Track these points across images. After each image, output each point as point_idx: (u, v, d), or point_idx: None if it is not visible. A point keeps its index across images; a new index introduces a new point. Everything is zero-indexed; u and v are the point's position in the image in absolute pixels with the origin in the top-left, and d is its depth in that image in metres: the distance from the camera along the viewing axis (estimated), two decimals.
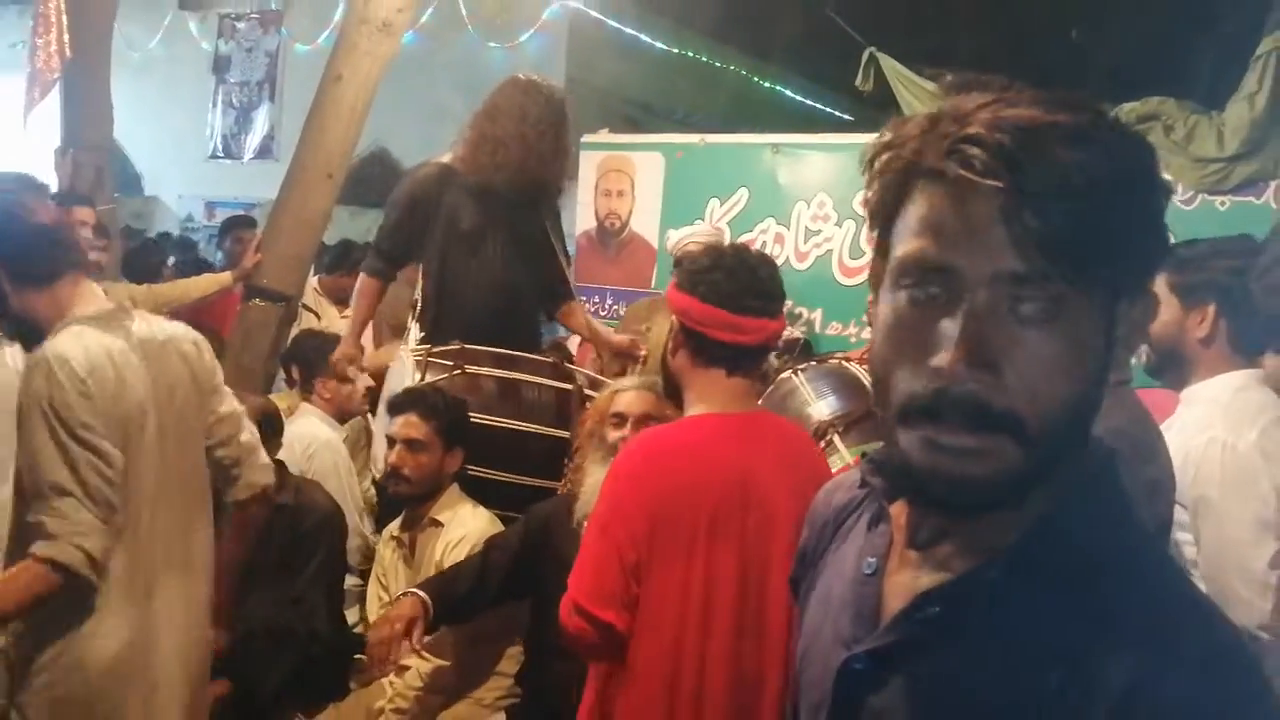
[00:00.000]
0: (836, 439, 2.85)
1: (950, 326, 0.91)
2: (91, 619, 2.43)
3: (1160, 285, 2.46)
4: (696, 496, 2.21)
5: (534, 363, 3.81)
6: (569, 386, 3.73)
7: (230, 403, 2.80)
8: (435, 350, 3.71)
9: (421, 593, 2.93)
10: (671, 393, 2.47)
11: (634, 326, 4.84)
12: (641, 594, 2.19)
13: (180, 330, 2.70)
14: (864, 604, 1.05)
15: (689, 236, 5.01)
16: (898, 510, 1.08)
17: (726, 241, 5.49)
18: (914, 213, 0.95)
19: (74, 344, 2.41)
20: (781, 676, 2.19)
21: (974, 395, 0.89)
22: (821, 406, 3.07)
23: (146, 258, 7.04)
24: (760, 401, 3.15)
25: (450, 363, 3.64)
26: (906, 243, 0.95)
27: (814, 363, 3.50)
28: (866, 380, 2.98)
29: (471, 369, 3.64)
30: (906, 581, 1.02)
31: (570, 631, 2.19)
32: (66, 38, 5.94)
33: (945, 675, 0.96)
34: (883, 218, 1.01)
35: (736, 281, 2.30)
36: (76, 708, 2.44)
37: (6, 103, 6.10)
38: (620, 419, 3.04)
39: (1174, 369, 2.52)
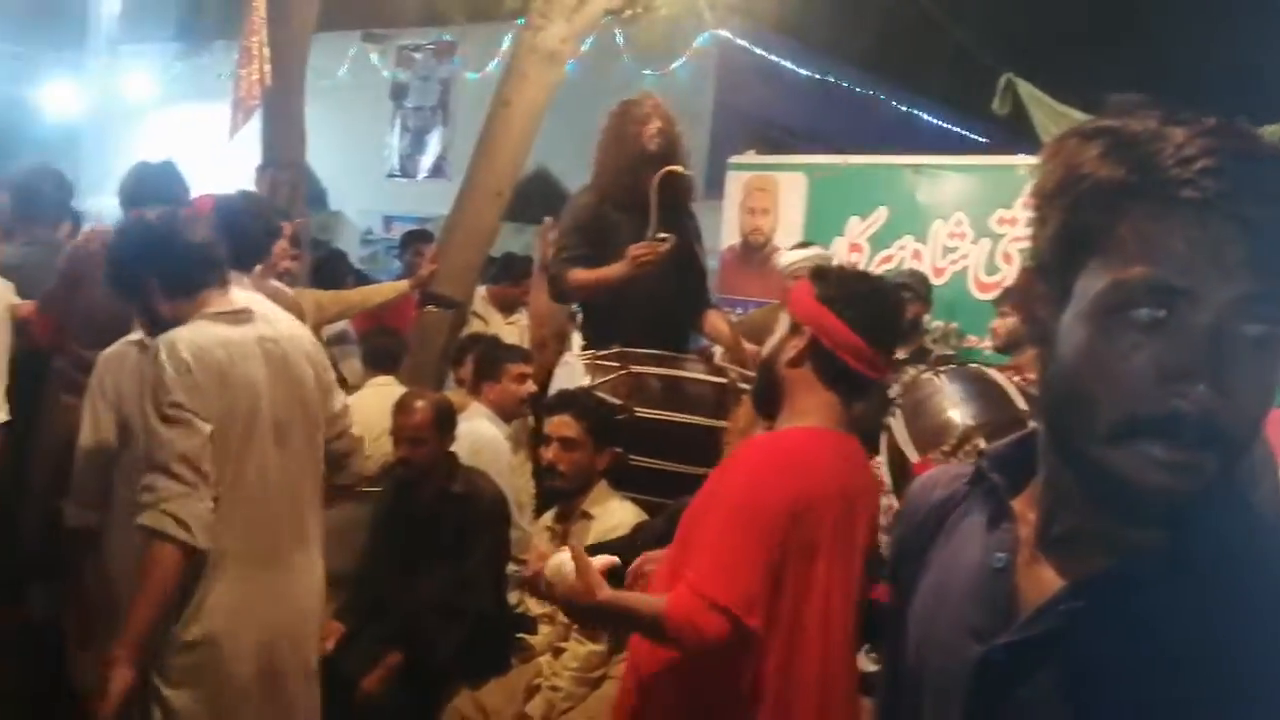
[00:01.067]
0: (981, 443, 2.71)
1: (1182, 349, 0.88)
2: (211, 590, 2.49)
3: None
4: (823, 507, 2.09)
5: (691, 360, 3.86)
6: (725, 380, 3.75)
7: (342, 399, 2.89)
8: (600, 354, 3.78)
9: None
10: (768, 396, 2.27)
11: (763, 336, 4.82)
12: (777, 607, 2.05)
13: (301, 331, 2.78)
14: (997, 598, 1.03)
15: (803, 260, 4.97)
16: (1023, 507, 1.05)
17: (831, 257, 5.44)
18: (1132, 236, 0.90)
19: (186, 332, 2.50)
20: (849, 693, 2.15)
21: (1211, 415, 0.87)
22: (965, 412, 2.90)
23: (333, 267, 7.30)
24: (899, 400, 3.12)
25: (617, 364, 3.69)
26: (1126, 266, 0.90)
27: (954, 366, 3.41)
28: (1009, 388, 2.88)
29: (637, 369, 3.69)
30: (1043, 576, 1.00)
31: (704, 630, 1.95)
32: (267, 68, 6.22)
33: (1090, 667, 0.95)
34: (1069, 242, 0.95)
35: (884, 318, 2.20)
36: (207, 672, 2.51)
37: (215, 126, 6.39)
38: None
39: None
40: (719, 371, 3.82)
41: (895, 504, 2.92)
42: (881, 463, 2.99)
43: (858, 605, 2.18)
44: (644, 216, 3.91)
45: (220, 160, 6.87)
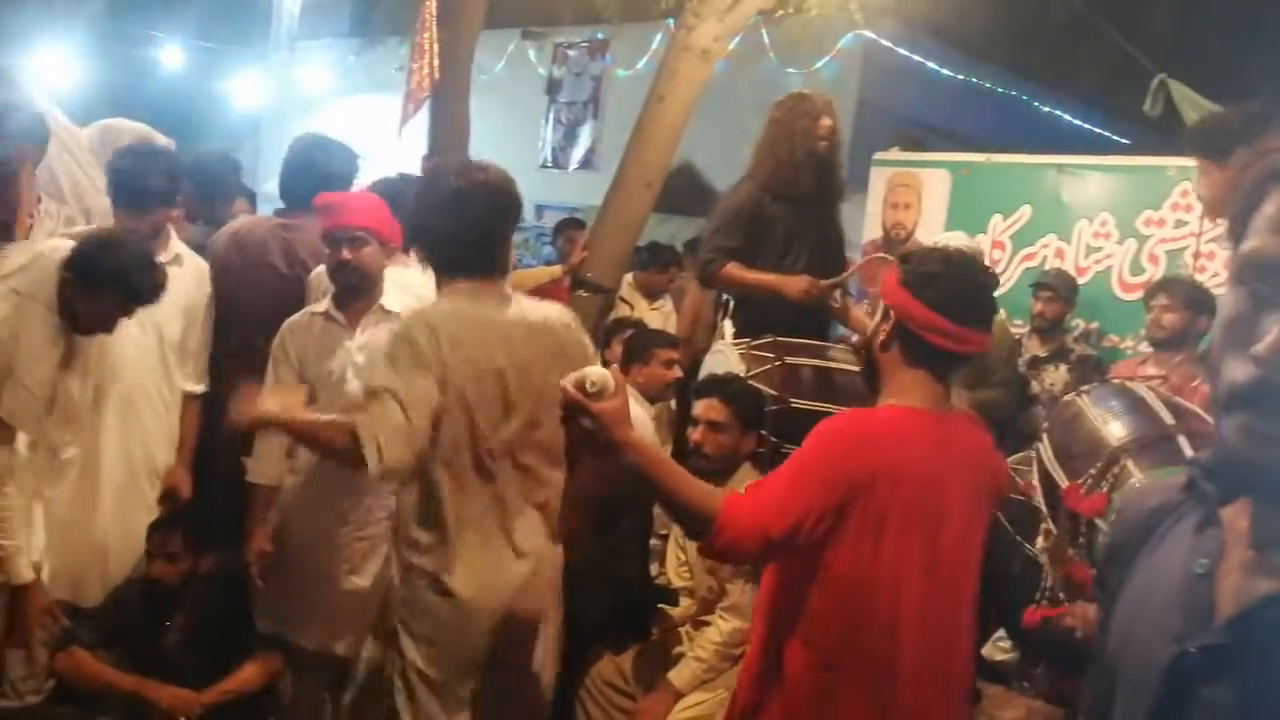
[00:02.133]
0: (1130, 464, 2.51)
1: (1274, 319, 0.88)
2: (454, 555, 2.54)
3: None
4: (894, 483, 2.09)
5: (839, 349, 3.79)
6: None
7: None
8: (754, 344, 3.75)
9: None
10: (871, 378, 2.31)
11: None
12: (830, 563, 2.09)
13: (556, 313, 2.72)
14: (1196, 602, 1.01)
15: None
16: (1232, 515, 1.02)
17: (985, 256, 5.31)
18: (1263, 213, 0.93)
19: (440, 302, 2.59)
20: (947, 671, 2.16)
21: None
22: (1110, 431, 2.67)
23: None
24: (1045, 424, 3.00)
25: (771, 355, 3.65)
26: (1249, 240, 0.93)
27: (1095, 384, 3.28)
28: (1152, 401, 2.73)
29: (791, 359, 3.65)
30: (1241, 583, 0.98)
31: (739, 542, 2.02)
32: (436, 63, 6.35)
33: (1276, 678, 0.93)
34: (1240, 219, 0.97)
35: (962, 293, 2.18)
36: (448, 633, 2.56)
37: (386, 117, 6.56)
38: None
39: None
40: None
41: (1051, 528, 2.81)
42: (1035, 485, 2.89)
43: (955, 584, 2.16)
44: (802, 210, 3.85)
45: (389, 149, 7.05)
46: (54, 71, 9.08)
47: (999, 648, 3.44)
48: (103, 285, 2.94)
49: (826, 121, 3.84)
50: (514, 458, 2.60)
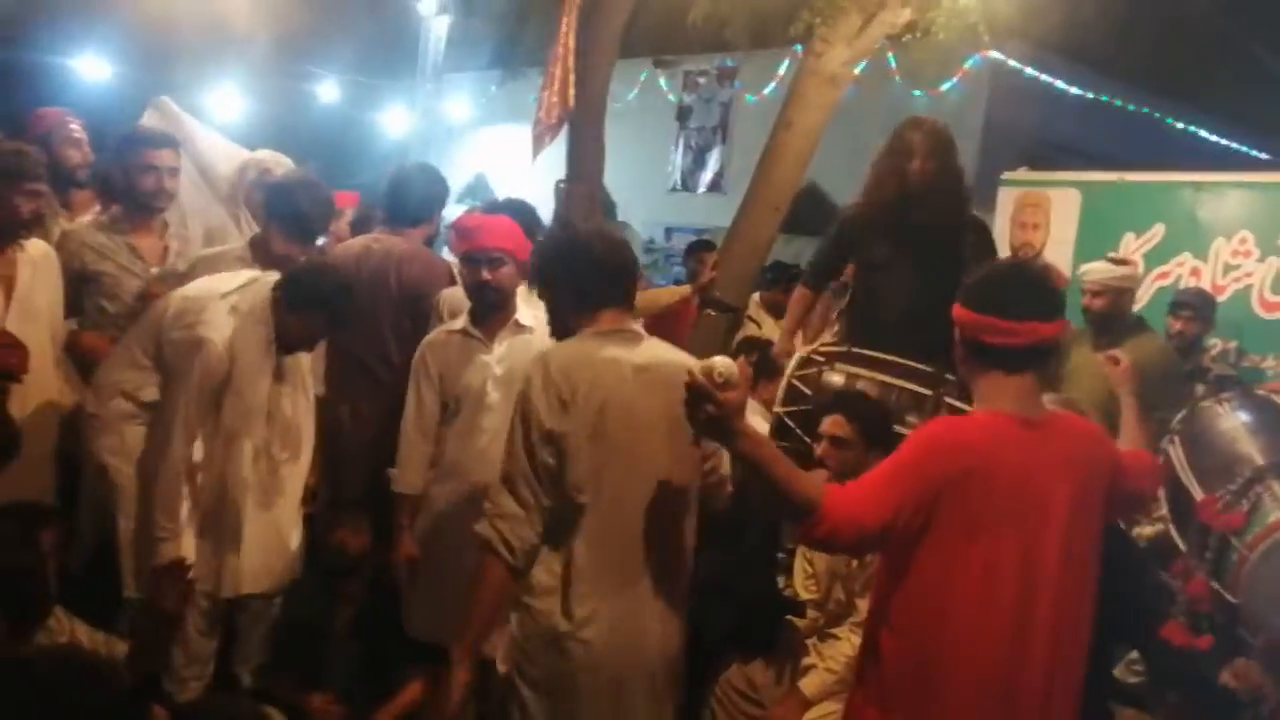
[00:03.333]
0: (1277, 486, 2.40)
1: None
2: (573, 601, 2.42)
3: None
4: (985, 486, 2.14)
5: (908, 369, 3.68)
6: (928, 392, 3.59)
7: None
8: (823, 348, 3.78)
9: None
10: (967, 399, 2.41)
11: None
12: (922, 560, 2.15)
13: (682, 360, 2.53)
14: None
15: (1097, 270, 4.74)
16: None
17: (1140, 275, 5.10)
18: None
19: (564, 347, 2.51)
20: (1042, 668, 2.15)
21: None
22: (1254, 446, 2.53)
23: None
24: (1178, 426, 2.86)
25: (822, 360, 3.70)
26: None
27: (1235, 393, 3.11)
28: None
29: (844, 366, 3.63)
30: None
31: (838, 531, 2.11)
32: (571, 92, 6.45)
33: None
34: None
35: (1005, 289, 2.24)
36: (564, 681, 2.44)
37: (525, 145, 6.69)
38: None
39: None
40: (936, 383, 3.63)
41: (1173, 532, 2.69)
42: (1161, 491, 2.76)
43: (1064, 578, 2.17)
44: (901, 239, 3.79)
45: (526, 175, 7.19)
46: (225, 108, 9.57)
47: (1131, 670, 3.30)
48: (313, 308, 3.14)
49: (916, 164, 3.74)
50: (639, 506, 2.47)
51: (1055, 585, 2.16)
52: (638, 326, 2.60)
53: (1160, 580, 2.82)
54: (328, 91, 13.32)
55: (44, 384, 3.39)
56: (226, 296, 3.12)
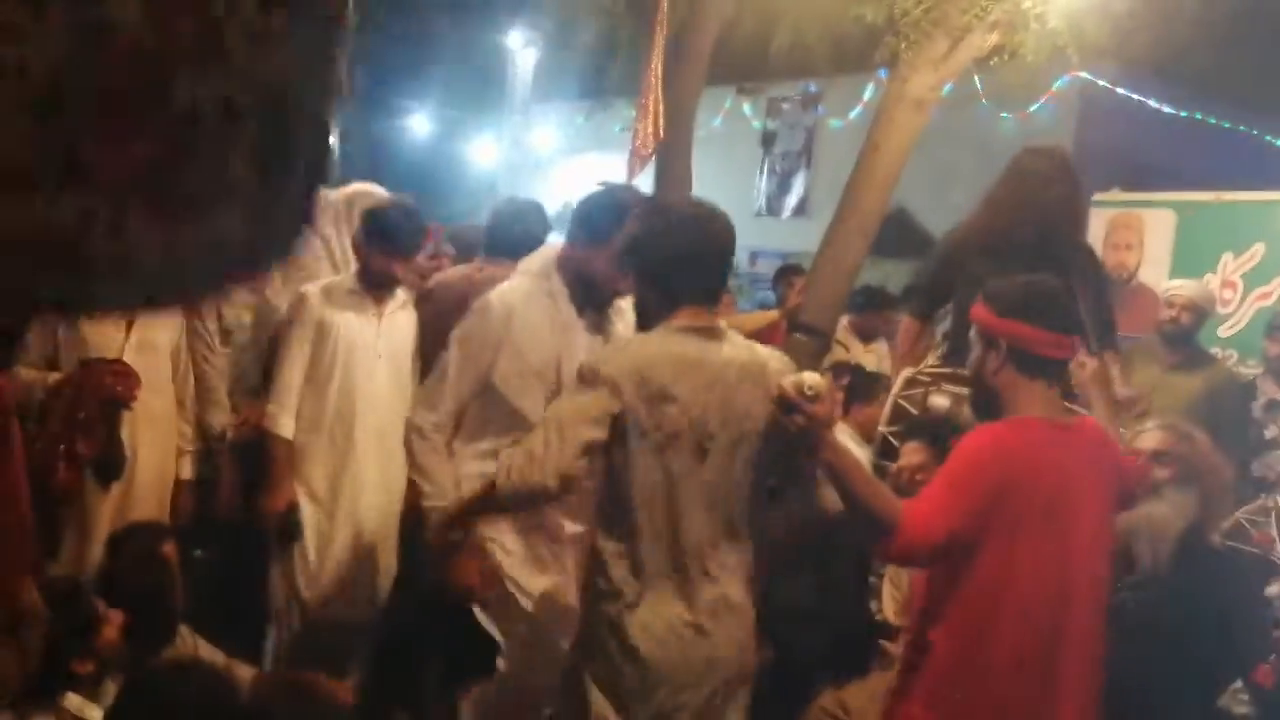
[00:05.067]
0: None
1: None
2: (631, 613, 2.36)
3: None
4: (1030, 488, 2.31)
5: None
6: None
7: None
8: (927, 369, 3.80)
9: None
10: (983, 406, 2.52)
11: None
12: (978, 566, 2.30)
13: (774, 360, 2.50)
14: None
15: (1180, 286, 4.71)
16: None
17: (1215, 298, 5.02)
18: None
19: (650, 338, 2.43)
20: (1076, 667, 2.34)
21: None
22: None
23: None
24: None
25: (928, 379, 3.70)
26: None
27: None
28: None
29: (948, 388, 3.62)
30: None
31: (915, 544, 2.26)
32: (661, 123, 6.53)
33: None
34: None
35: (1053, 304, 2.44)
36: (627, 683, 2.38)
37: (612, 174, 6.78)
38: (1134, 454, 2.90)
39: None
40: None
41: None
42: (1275, 536, 2.74)
43: (1087, 577, 2.36)
44: (1012, 265, 3.73)
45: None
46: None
47: (1238, 699, 3.22)
48: None
49: (1057, 190, 3.70)
50: (708, 511, 2.40)
51: (1088, 582, 2.37)
52: (720, 322, 2.50)
53: (1269, 621, 2.76)
54: (419, 124, 13.66)
55: (158, 414, 3.54)
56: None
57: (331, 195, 4.31)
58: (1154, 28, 6.57)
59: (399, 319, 3.72)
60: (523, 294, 2.99)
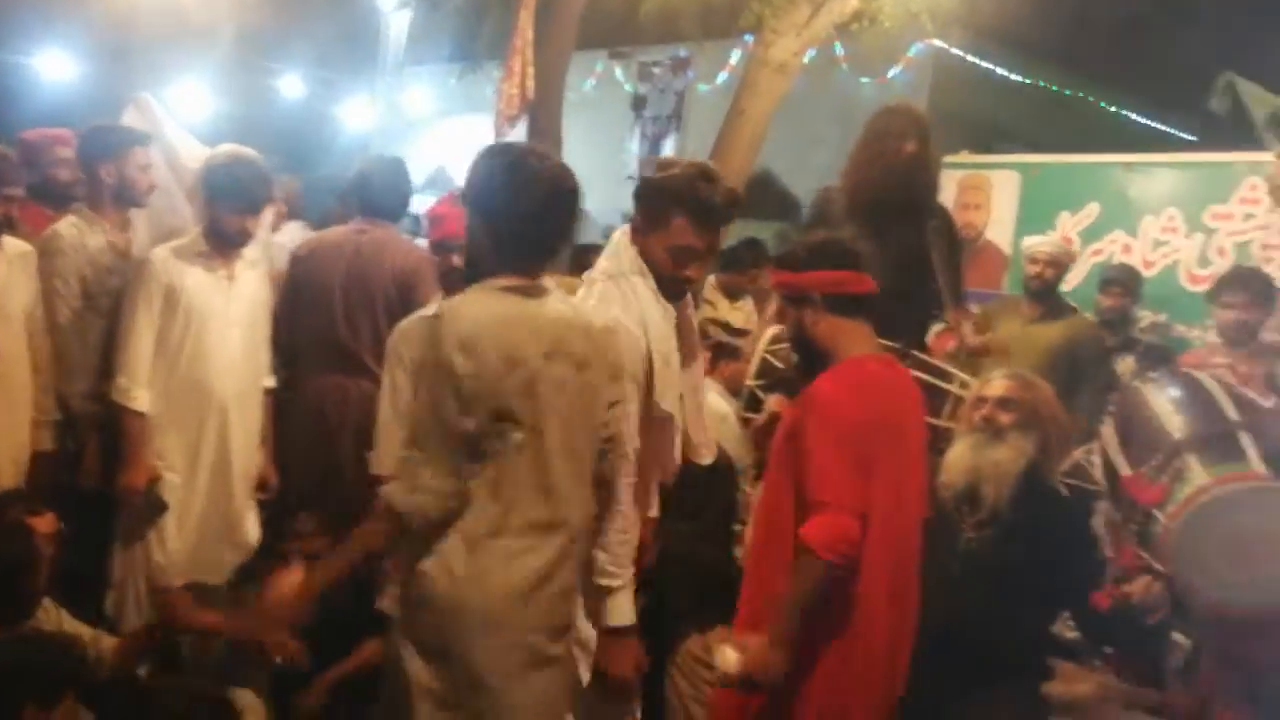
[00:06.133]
0: (1192, 459, 2.44)
1: None
2: (448, 562, 2.17)
3: None
4: (884, 422, 2.42)
5: (912, 359, 3.70)
6: (938, 383, 3.54)
7: (626, 390, 2.42)
8: None
9: None
10: (812, 366, 2.54)
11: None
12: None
13: (596, 317, 2.36)
14: None
15: (1041, 242, 4.85)
16: None
17: (1075, 251, 5.21)
18: None
19: (469, 303, 2.20)
20: (915, 591, 2.55)
21: None
22: (1174, 424, 2.55)
23: (583, 257, 7.47)
24: (1112, 408, 2.95)
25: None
26: None
27: (1162, 371, 3.17)
28: (1217, 393, 2.63)
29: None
30: None
31: (849, 532, 2.32)
32: (530, 84, 6.44)
33: None
34: None
35: (844, 248, 2.56)
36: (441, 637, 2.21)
37: (484, 136, 6.67)
38: (982, 401, 3.01)
39: None
40: (943, 374, 3.63)
41: (1114, 514, 2.76)
42: (1096, 466, 2.85)
43: (923, 507, 2.54)
44: (882, 225, 3.79)
45: None
46: (189, 104, 9.44)
47: (1068, 626, 3.39)
48: None
49: (909, 147, 3.77)
50: (537, 464, 2.23)
51: (921, 507, 2.53)
52: (547, 281, 2.31)
53: (1101, 555, 2.90)
54: (290, 86, 13.16)
55: (12, 383, 3.32)
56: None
57: (196, 157, 4.12)
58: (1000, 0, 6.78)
59: (250, 278, 3.56)
60: (640, 298, 2.46)
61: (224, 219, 3.44)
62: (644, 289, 2.48)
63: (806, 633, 2.39)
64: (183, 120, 4.27)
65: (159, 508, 3.39)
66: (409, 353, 2.98)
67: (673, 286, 2.54)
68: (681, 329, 2.64)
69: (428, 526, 2.17)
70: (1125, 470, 2.56)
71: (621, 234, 2.57)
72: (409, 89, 13.91)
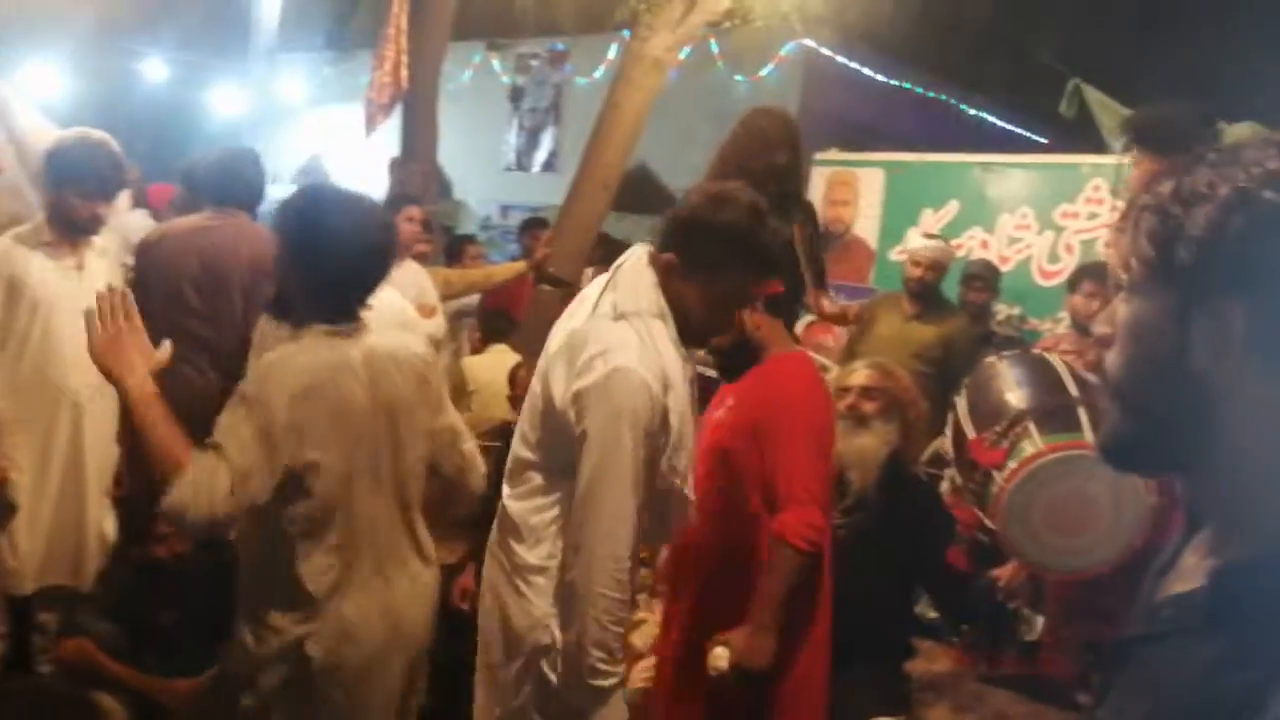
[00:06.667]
0: (1031, 426, 2.57)
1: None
2: (305, 610, 2.14)
3: None
4: (826, 410, 2.64)
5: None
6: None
7: (451, 418, 2.42)
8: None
9: None
10: (741, 361, 2.60)
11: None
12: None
13: (411, 346, 2.37)
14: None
15: (924, 246, 4.93)
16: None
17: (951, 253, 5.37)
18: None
19: (298, 354, 2.15)
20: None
21: None
22: (1019, 395, 2.71)
23: (458, 246, 7.37)
24: (966, 381, 3.05)
25: None
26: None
27: (1016, 351, 3.33)
28: (1063, 372, 2.76)
29: None
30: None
31: (818, 524, 2.42)
32: (404, 73, 6.29)
33: None
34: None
35: (775, 252, 2.43)
36: (305, 688, 2.16)
37: (358, 126, 6.49)
38: (845, 390, 3.07)
39: None
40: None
41: (957, 477, 2.86)
42: (947, 436, 2.95)
43: None
44: None
45: (362, 155, 6.97)
46: (42, 85, 8.92)
47: (929, 607, 3.50)
48: None
49: (783, 158, 3.79)
50: (391, 499, 2.24)
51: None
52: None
53: (949, 522, 2.99)
54: (154, 70, 12.60)
55: None
56: None
57: (46, 141, 3.88)
58: (865, 3, 6.93)
59: (100, 267, 3.36)
60: (659, 346, 2.08)
61: (73, 205, 3.26)
62: (662, 335, 2.09)
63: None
64: (35, 103, 4.03)
65: (7, 510, 3.18)
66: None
67: (698, 336, 2.23)
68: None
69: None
70: (971, 434, 2.66)
71: (639, 262, 2.15)
72: (281, 76, 13.46)
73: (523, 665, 2.10)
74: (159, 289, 3.49)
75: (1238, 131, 4.89)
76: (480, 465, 2.46)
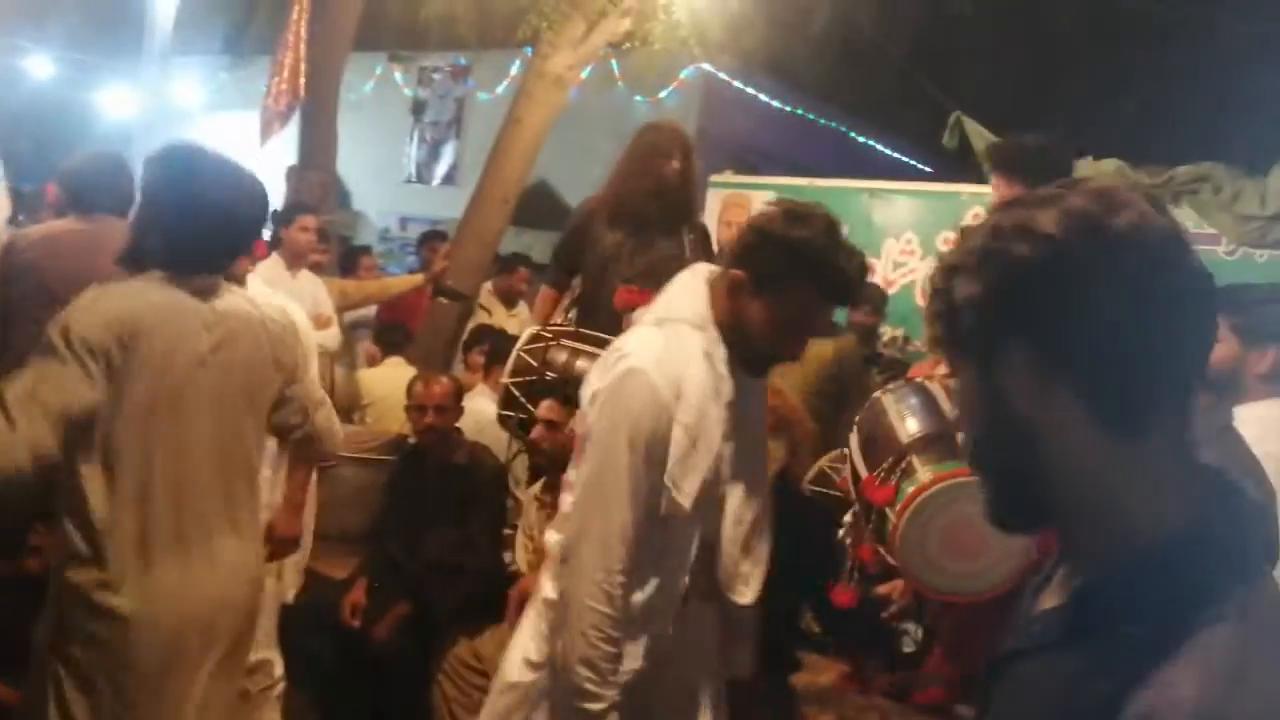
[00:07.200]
0: (915, 459, 2.55)
1: None
2: (127, 569, 2.05)
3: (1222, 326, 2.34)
4: None
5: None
6: None
7: (309, 386, 2.42)
8: (550, 326, 3.78)
9: None
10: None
11: None
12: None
13: (275, 312, 2.33)
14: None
15: None
16: None
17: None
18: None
19: (118, 291, 2.08)
20: None
21: None
22: (909, 425, 2.68)
23: (355, 260, 7.24)
24: (856, 420, 3.11)
25: (549, 337, 3.64)
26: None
27: (899, 383, 3.37)
28: (942, 399, 2.80)
29: (566, 343, 3.60)
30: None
31: None
32: (302, 81, 6.14)
33: None
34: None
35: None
36: (110, 653, 2.07)
37: (254, 133, 6.32)
38: None
39: (1229, 398, 2.40)
40: None
41: (862, 518, 2.90)
42: (847, 477, 2.99)
43: None
44: (641, 236, 3.85)
45: (258, 163, 6.77)
46: None
47: (814, 622, 3.55)
48: None
49: (674, 165, 3.83)
50: (200, 463, 2.15)
51: None
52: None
53: (840, 553, 3.04)
54: (39, 67, 12.07)
55: None
56: None
57: None
58: (759, 29, 7.05)
59: None
60: (686, 355, 1.94)
61: None
62: (696, 346, 1.94)
63: None
64: None
65: None
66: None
67: (761, 359, 2.06)
68: (751, 416, 2.09)
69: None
70: (864, 473, 2.69)
71: (692, 274, 2.05)
72: (175, 80, 13.04)
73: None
74: (23, 292, 3.32)
75: (1103, 167, 5.13)
76: (338, 434, 2.48)
